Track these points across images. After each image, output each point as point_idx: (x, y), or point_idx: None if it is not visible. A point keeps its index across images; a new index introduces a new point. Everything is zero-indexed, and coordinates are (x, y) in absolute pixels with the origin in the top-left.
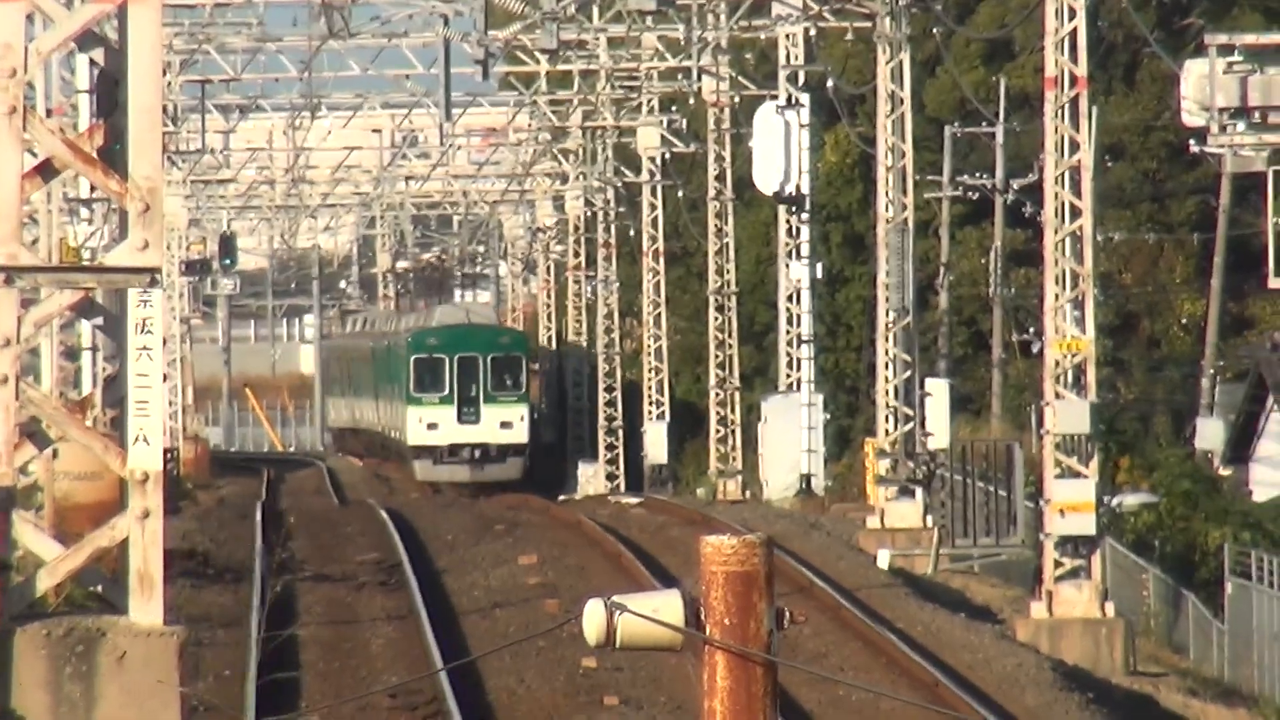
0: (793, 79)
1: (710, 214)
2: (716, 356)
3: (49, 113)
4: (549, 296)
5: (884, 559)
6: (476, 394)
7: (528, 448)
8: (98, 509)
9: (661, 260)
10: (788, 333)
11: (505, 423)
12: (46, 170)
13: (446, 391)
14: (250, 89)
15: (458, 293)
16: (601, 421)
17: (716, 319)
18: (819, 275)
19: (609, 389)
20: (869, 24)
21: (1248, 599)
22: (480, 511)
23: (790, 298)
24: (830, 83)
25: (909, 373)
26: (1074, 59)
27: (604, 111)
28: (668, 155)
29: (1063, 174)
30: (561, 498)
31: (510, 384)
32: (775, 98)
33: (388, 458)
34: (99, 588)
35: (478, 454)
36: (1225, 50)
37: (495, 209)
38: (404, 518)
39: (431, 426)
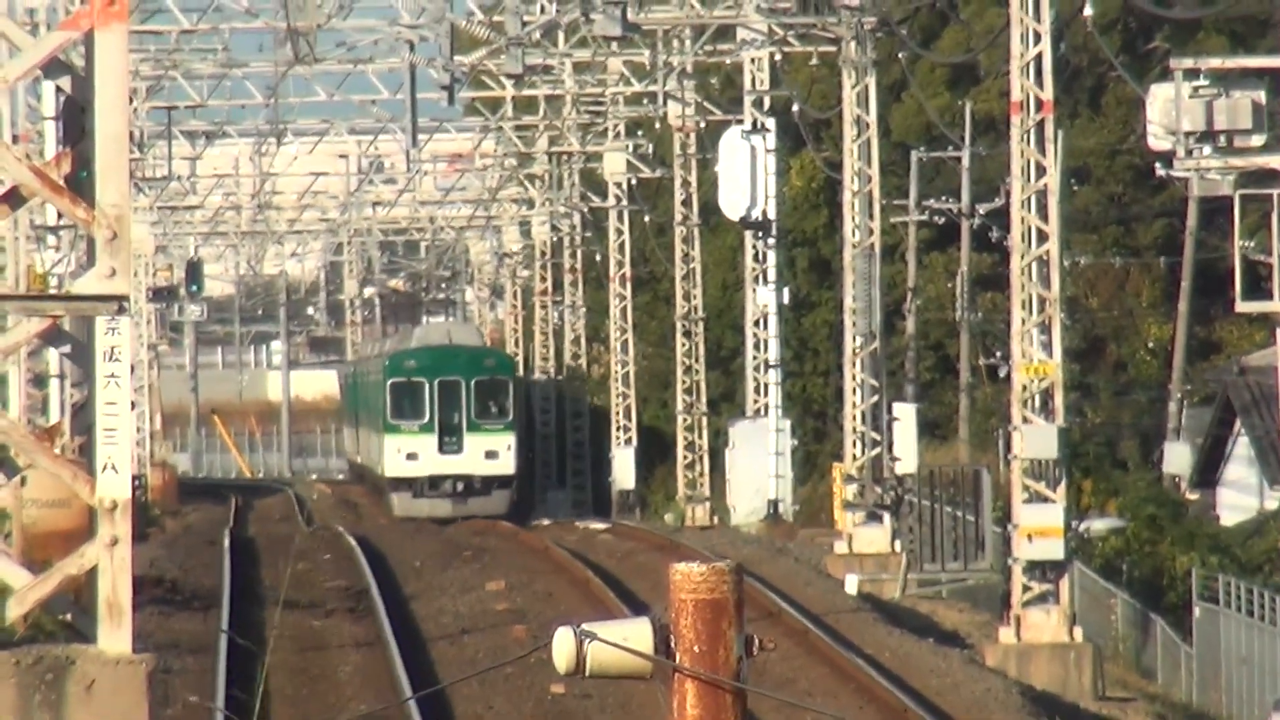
0: (758, 104)
1: (677, 239)
2: (684, 382)
3: (15, 140)
4: (516, 322)
5: (852, 584)
6: (459, 421)
7: (514, 479)
8: (66, 536)
9: (629, 285)
10: (755, 358)
11: (490, 452)
12: (13, 198)
13: (426, 419)
14: (216, 115)
15: (427, 319)
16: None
17: (684, 344)
18: (786, 300)
19: (576, 415)
20: (834, 49)
21: (1215, 623)
22: (448, 537)
23: (757, 323)
24: (796, 107)
25: (876, 398)
26: (1039, 83)
27: (570, 137)
28: (634, 180)
29: (1029, 198)
30: (536, 523)
31: (496, 410)
32: (741, 123)
33: (374, 492)
34: (68, 616)
35: (460, 486)
36: (1191, 74)
37: (462, 234)
38: (371, 544)
39: (411, 457)
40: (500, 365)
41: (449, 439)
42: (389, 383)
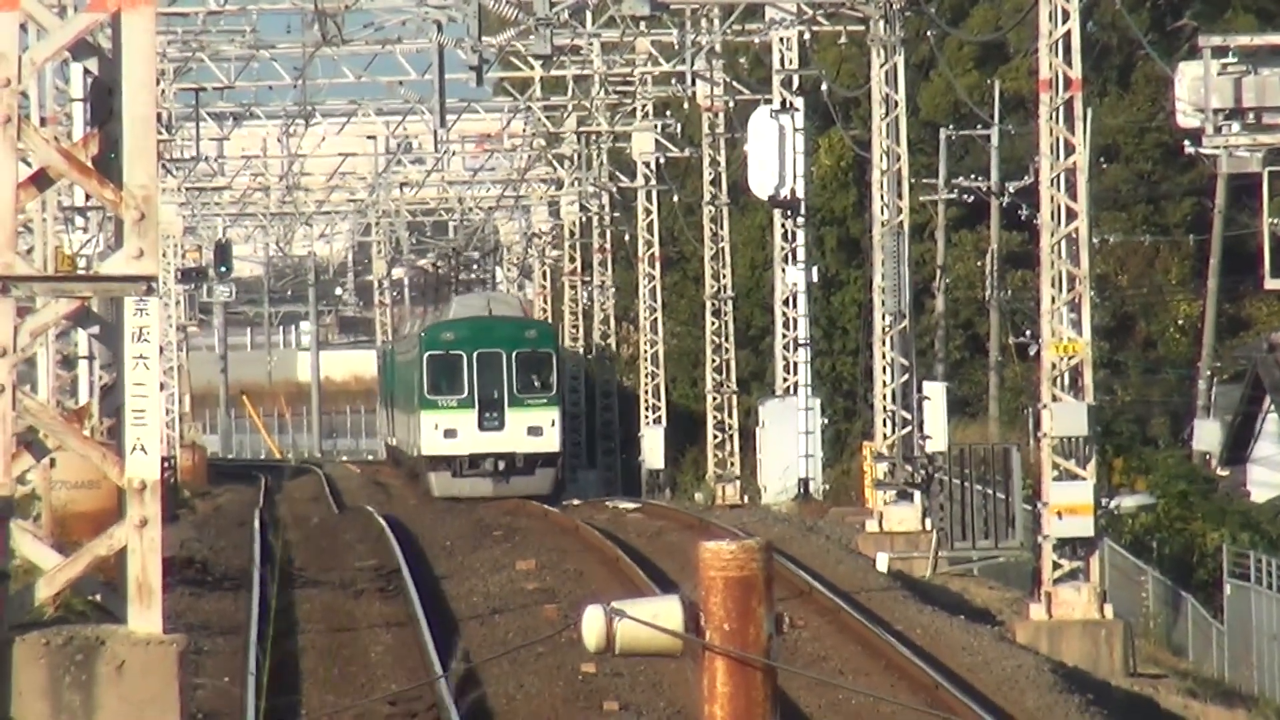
0: (787, 83)
1: (705, 219)
2: (713, 361)
3: (43, 122)
4: (545, 302)
5: (882, 562)
6: (500, 396)
7: (560, 457)
8: (95, 518)
9: (658, 265)
10: (784, 337)
11: (533, 428)
12: (41, 180)
13: (466, 394)
14: (244, 96)
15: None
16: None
17: (713, 323)
18: (815, 279)
19: (605, 394)
20: (863, 28)
21: (1246, 600)
22: (478, 517)
23: (786, 302)
24: (824, 86)
25: (906, 376)
26: (1068, 61)
27: (598, 117)
28: (662, 160)
29: (1058, 176)
30: (566, 502)
31: (538, 384)
32: (769, 102)
33: (412, 476)
34: (98, 596)
35: (502, 465)
36: (1219, 52)
37: (491, 215)
38: (402, 524)
39: (449, 434)
40: (543, 337)
41: (489, 415)
42: (425, 356)
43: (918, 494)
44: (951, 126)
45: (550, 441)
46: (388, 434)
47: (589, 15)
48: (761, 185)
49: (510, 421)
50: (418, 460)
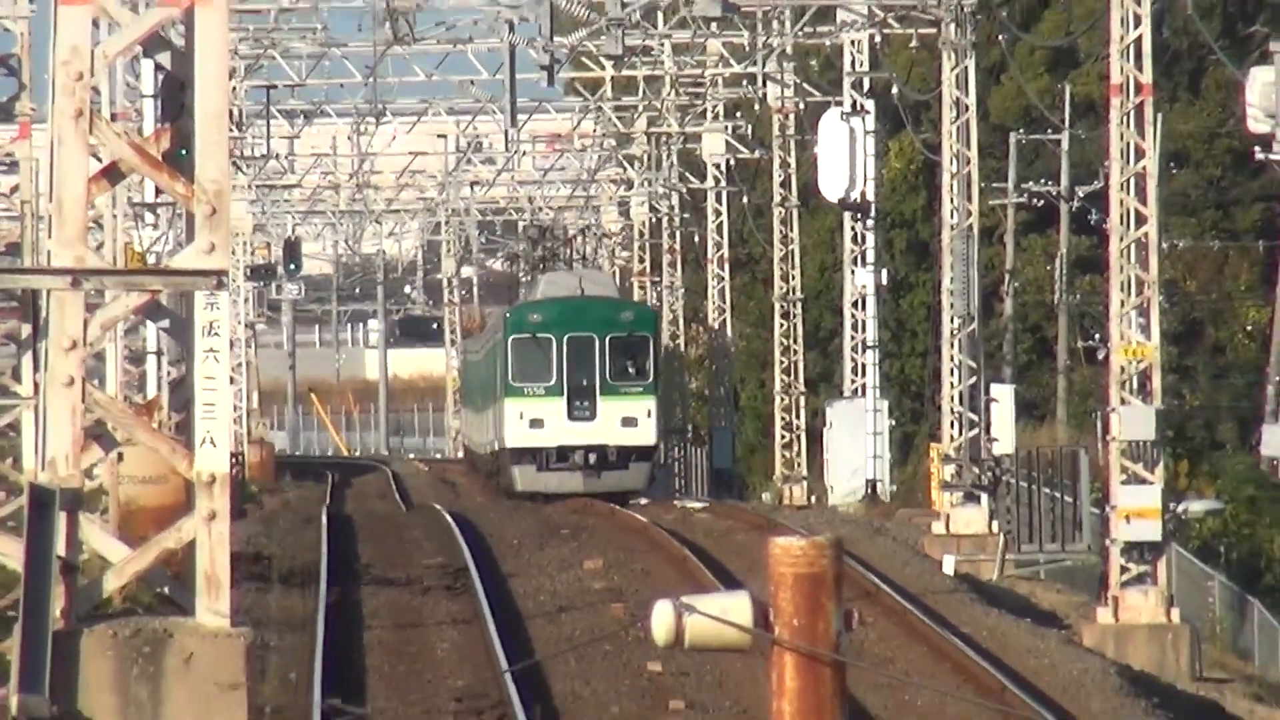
0: (857, 85)
1: (775, 220)
2: (782, 362)
3: (114, 117)
4: None
5: (949, 564)
6: (591, 384)
7: (655, 450)
8: (161, 513)
9: (727, 266)
10: (853, 339)
11: (628, 419)
12: (113, 174)
13: (554, 381)
14: (315, 94)
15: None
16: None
17: (782, 325)
18: (884, 282)
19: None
20: (934, 30)
21: None
22: (546, 516)
23: (855, 304)
24: (895, 89)
25: (974, 379)
26: (1139, 66)
27: (669, 117)
28: (732, 161)
29: (1128, 181)
30: (634, 501)
31: (634, 371)
32: (840, 104)
33: (490, 476)
34: (165, 589)
35: (593, 458)
36: None
37: (560, 215)
38: (469, 522)
39: (535, 424)
40: (640, 320)
41: (580, 404)
42: (510, 339)
43: (985, 496)
44: (1022, 130)
45: (646, 434)
46: (464, 437)
47: (660, 16)
48: (831, 187)
49: (602, 411)
50: (500, 454)
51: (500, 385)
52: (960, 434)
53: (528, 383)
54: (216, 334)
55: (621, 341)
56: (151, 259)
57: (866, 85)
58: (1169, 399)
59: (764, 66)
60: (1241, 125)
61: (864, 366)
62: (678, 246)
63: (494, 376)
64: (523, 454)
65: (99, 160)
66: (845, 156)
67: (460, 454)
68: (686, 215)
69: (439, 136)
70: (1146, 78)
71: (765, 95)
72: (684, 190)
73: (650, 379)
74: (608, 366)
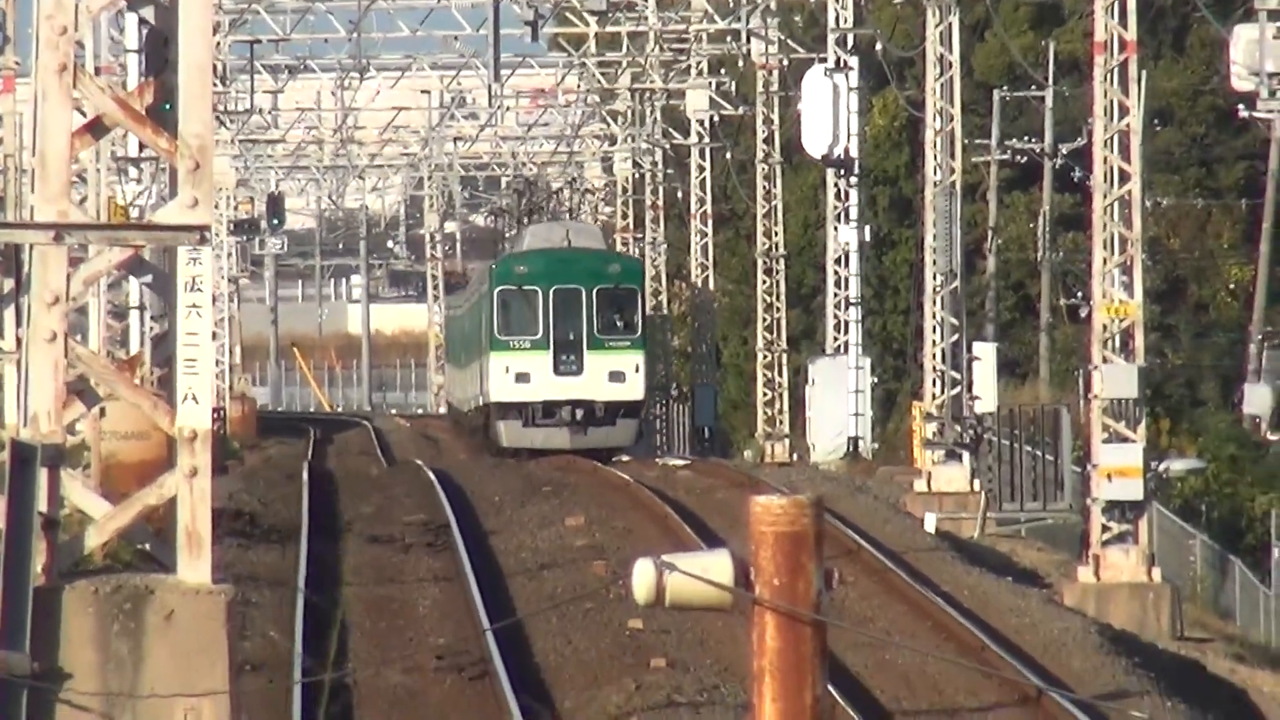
0: (841, 42)
1: (759, 177)
2: (764, 319)
3: (98, 71)
4: None
5: (930, 522)
6: (578, 337)
7: (643, 406)
8: (143, 468)
9: (710, 223)
10: (835, 296)
11: (615, 374)
12: (96, 128)
13: (540, 334)
14: (299, 49)
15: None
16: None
17: (765, 282)
18: (866, 239)
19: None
20: None
21: None
22: (528, 473)
23: (838, 261)
24: (879, 46)
25: (956, 336)
26: (1123, 23)
27: (653, 74)
28: (716, 118)
29: (1111, 138)
30: (616, 458)
31: (622, 325)
32: (824, 61)
33: (475, 432)
34: (146, 546)
35: (580, 414)
36: (1275, 15)
37: (544, 170)
38: (451, 479)
39: (521, 378)
40: (627, 272)
41: (566, 358)
42: (496, 291)
43: (966, 454)
44: (1005, 88)
45: (634, 389)
46: (448, 393)
47: None
48: (815, 144)
49: (590, 366)
50: (485, 409)
51: (486, 338)
52: (942, 392)
53: (513, 335)
54: (199, 289)
55: (609, 294)
56: (135, 214)
57: (850, 41)
58: (1151, 357)
59: (748, 22)
60: (1225, 83)
61: (846, 324)
62: (661, 202)
63: (479, 330)
64: (508, 409)
65: (83, 115)
66: (829, 113)
67: (443, 409)
68: (670, 171)
69: (422, 92)
70: (1131, 35)
71: (749, 51)
72: (667, 146)
73: (638, 333)
74: (595, 320)
